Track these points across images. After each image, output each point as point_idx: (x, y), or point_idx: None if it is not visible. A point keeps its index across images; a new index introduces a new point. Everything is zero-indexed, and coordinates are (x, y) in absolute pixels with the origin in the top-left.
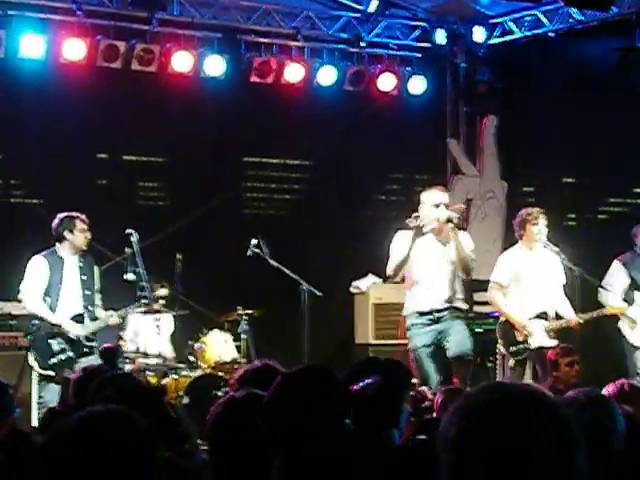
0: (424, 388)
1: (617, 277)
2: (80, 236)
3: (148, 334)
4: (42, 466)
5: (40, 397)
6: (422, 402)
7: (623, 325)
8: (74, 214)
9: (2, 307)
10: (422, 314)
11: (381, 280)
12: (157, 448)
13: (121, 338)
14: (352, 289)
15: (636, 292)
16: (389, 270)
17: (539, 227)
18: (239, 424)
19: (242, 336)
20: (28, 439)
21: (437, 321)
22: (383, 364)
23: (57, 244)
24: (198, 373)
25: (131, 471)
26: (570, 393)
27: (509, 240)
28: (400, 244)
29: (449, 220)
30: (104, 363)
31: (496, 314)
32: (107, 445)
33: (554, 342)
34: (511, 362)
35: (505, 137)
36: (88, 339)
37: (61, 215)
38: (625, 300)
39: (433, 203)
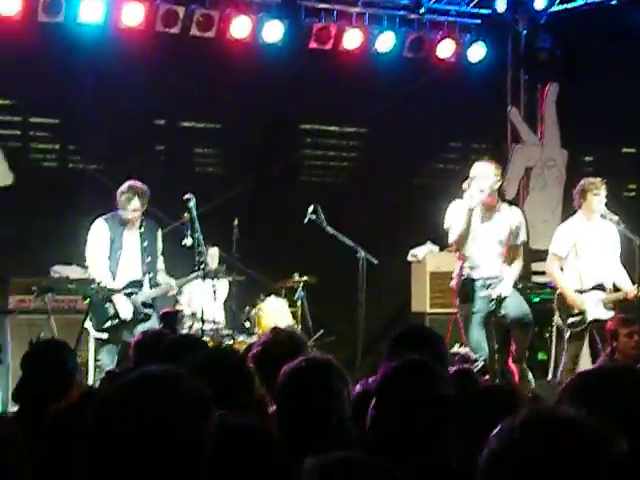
0: (467, 350)
1: None
2: (129, 212)
3: (204, 299)
4: (96, 424)
5: (97, 360)
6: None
7: None
8: (127, 189)
9: (61, 271)
10: (474, 281)
11: (438, 248)
12: (210, 409)
13: (177, 302)
14: (409, 257)
15: None
16: (451, 241)
17: (600, 197)
18: (305, 389)
19: (298, 303)
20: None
21: (488, 287)
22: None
23: (119, 207)
24: (254, 339)
25: (182, 430)
26: None
27: (569, 209)
28: (454, 213)
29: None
30: (164, 327)
31: (553, 285)
32: (160, 404)
33: (610, 314)
34: (568, 334)
35: (566, 105)
36: (145, 305)
37: (121, 188)
38: None
39: (470, 175)
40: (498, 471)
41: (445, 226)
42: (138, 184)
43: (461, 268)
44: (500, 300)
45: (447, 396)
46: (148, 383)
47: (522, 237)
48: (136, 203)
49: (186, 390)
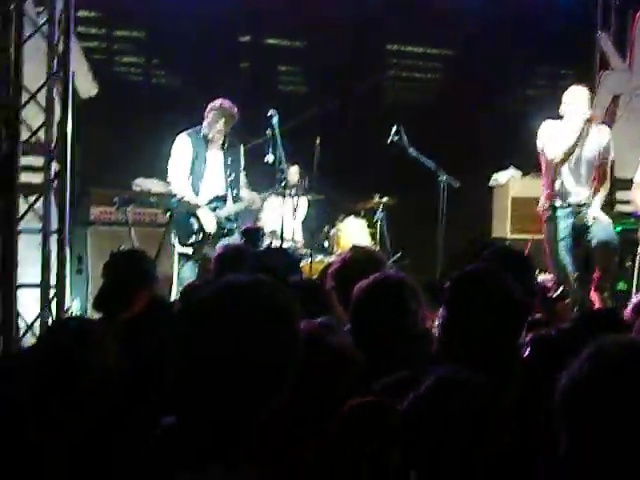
0: (544, 277)
1: None
2: (213, 131)
3: (283, 217)
4: (181, 330)
5: (179, 274)
6: (548, 290)
7: None
8: (217, 107)
9: (143, 184)
10: (562, 207)
11: (521, 174)
12: (296, 318)
13: (258, 219)
14: (491, 182)
15: None
16: (560, 154)
17: None
18: (378, 306)
19: (377, 224)
20: (170, 307)
21: (577, 214)
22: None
23: (204, 123)
24: (332, 259)
25: (266, 337)
26: None
27: None
28: (548, 131)
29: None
30: (246, 242)
31: (638, 214)
32: (246, 309)
33: None
34: None
35: None
36: (229, 219)
37: (211, 105)
38: None
39: (566, 98)
40: (571, 405)
41: (539, 146)
42: (228, 105)
43: (549, 193)
44: (587, 226)
45: (520, 302)
46: (238, 289)
47: (611, 155)
48: (222, 124)
49: (275, 297)
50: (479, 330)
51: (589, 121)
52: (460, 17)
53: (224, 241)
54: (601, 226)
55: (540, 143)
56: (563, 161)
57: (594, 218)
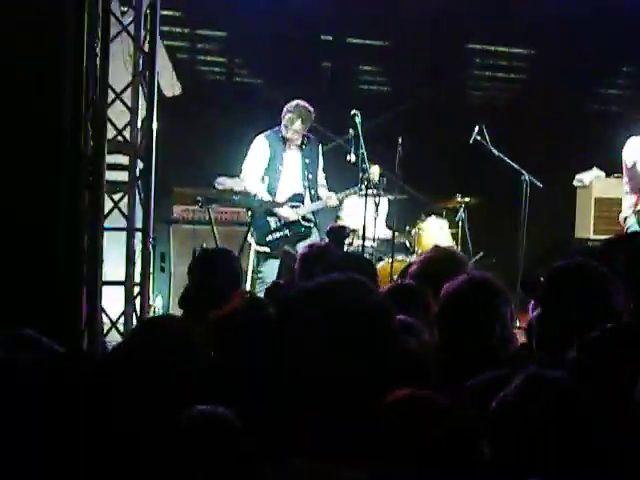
0: None
1: None
2: (290, 131)
3: (365, 216)
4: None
5: (259, 272)
6: None
7: None
8: (293, 108)
9: (224, 183)
10: None
11: (605, 174)
12: (392, 320)
13: (339, 218)
14: (575, 182)
15: None
16: None
17: None
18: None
19: (459, 224)
20: (265, 308)
21: None
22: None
23: (282, 124)
24: (413, 258)
25: (364, 336)
26: None
27: None
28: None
29: None
30: (331, 241)
31: None
32: (346, 307)
33: None
34: None
35: None
36: (306, 219)
37: (287, 106)
38: None
39: None
40: None
41: (629, 162)
42: (304, 105)
43: (636, 201)
44: None
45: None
46: (335, 286)
47: None
48: (299, 124)
49: (369, 296)
50: (576, 322)
51: None
52: (545, 17)
53: (304, 242)
54: None
55: (630, 160)
56: None
57: None
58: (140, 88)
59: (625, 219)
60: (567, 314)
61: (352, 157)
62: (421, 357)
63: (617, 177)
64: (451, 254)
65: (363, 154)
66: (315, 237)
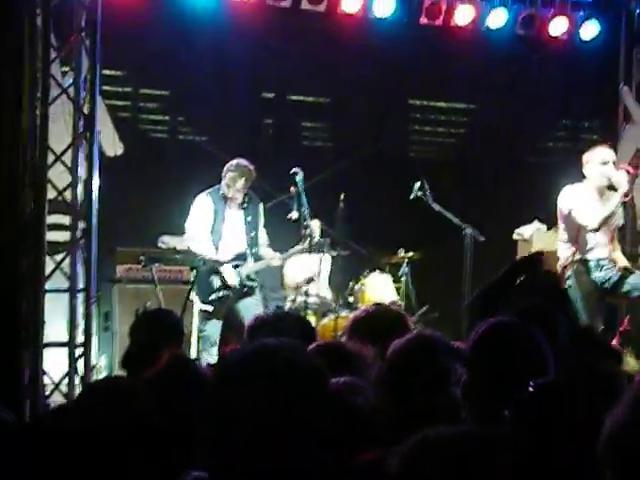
0: None
1: None
2: (232, 191)
3: (307, 273)
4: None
5: (203, 330)
6: None
7: None
8: (234, 167)
9: (168, 241)
10: (588, 262)
11: (545, 227)
12: (327, 383)
13: (282, 275)
14: (515, 235)
15: None
16: (596, 223)
17: None
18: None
19: (402, 279)
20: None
21: (602, 269)
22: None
23: (222, 183)
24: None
25: (300, 401)
26: None
27: None
28: (577, 197)
29: (627, 192)
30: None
31: None
32: (279, 373)
33: None
34: None
35: None
36: (249, 278)
37: (228, 165)
38: None
39: (602, 161)
40: (618, 451)
41: (565, 211)
42: (245, 164)
43: (574, 249)
44: (620, 278)
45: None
46: (268, 352)
47: (622, 220)
48: (240, 184)
49: (304, 361)
50: (504, 387)
51: (626, 195)
52: (484, 72)
53: (246, 300)
54: (635, 275)
55: (566, 207)
56: (598, 229)
57: (625, 269)
58: (80, 149)
59: (563, 269)
60: (494, 378)
61: (294, 215)
62: (367, 416)
63: (557, 230)
64: (390, 310)
65: (305, 211)
66: (257, 296)
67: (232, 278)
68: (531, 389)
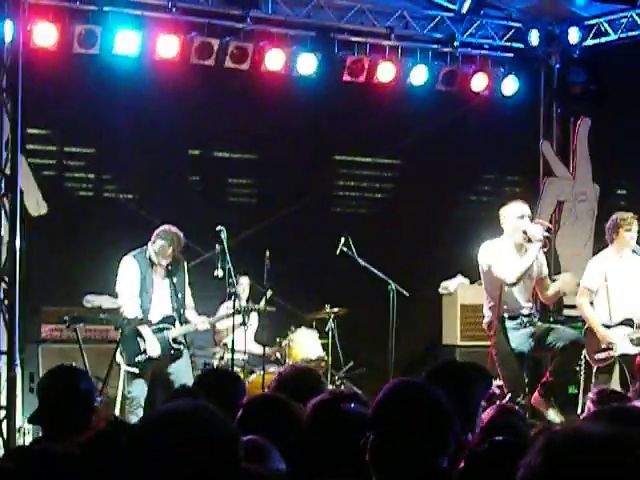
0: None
1: None
2: (159, 258)
3: (234, 331)
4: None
5: (128, 392)
6: (496, 398)
7: None
8: (164, 234)
9: (93, 300)
10: (511, 318)
11: (469, 281)
12: (239, 445)
13: (215, 332)
14: (440, 290)
15: None
16: (514, 277)
17: (632, 233)
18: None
19: (329, 334)
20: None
21: (526, 325)
22: (462, 369)
23: (149, 244)
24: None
25: (211, 467)
26: None
27: (600, 243)
28: (496, 252)
29: (544, 243)
30: None
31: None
32: (188, 436)
33: (638, 349)
34: (595, 368)
35: (598, 139)
36: (176, 342)
37: (158, 231)
38: None
39: (517, 215)
40: None
41: (485, 267)
42: (175, 231)
43: (498, 306)
44: (544, 332)
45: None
46: (175, 417)
47: (546, 269)
48: (169, 253)
49: (214, 425)
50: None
51: (544, 246)
52: (407, 128)
53: (175, 364)
54: (561, 328)
55: (485, 264)
56: (516, 283)
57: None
58: (2, 209)
59: (489, 325)
60: (395, 437)
61: (219, 272)
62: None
63: (481, 284)
64: (306, 370)
65: (230, 269)
66: (186, 359)
67: (153, 346)
68: (486, 445)
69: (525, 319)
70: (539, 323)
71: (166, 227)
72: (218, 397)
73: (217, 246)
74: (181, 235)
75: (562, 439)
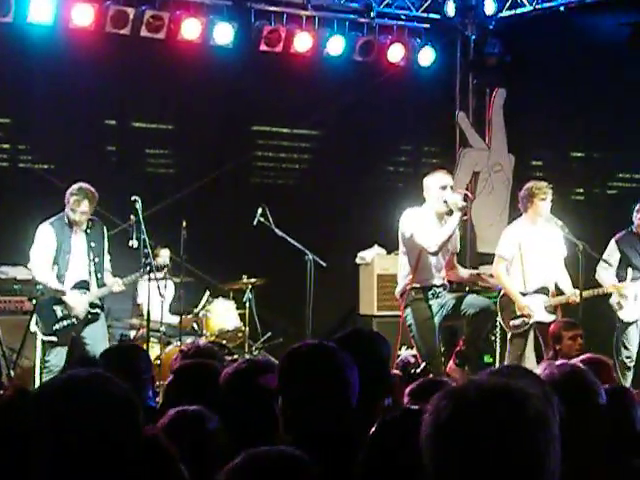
0: (407, 354)
1: (612, 254)
2: (77, 214)
3: (152, 301)
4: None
5: (46, 361)
6: (411, 367)
7: (614, 301)
8: (77, 190)
9: (7, 271)
10: (426, 288)
11: (385, 251)
12: (138, 412)
13: (136, 300)
14: (357, 260)
15: (629, 269)
16: (436, 246)
17: (546, 202)
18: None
19: (246, 305)
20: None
21: (438, 295)
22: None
23: (66, 209)
24: (202, 341)
25: (110, 432)
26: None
27: (515, 213)
28: (417, 220)
29: (464, 212)
30: None
31: (500, 287)
32: (87, 404)
33: (552, 317)
34: (509, 335)
35: (514, 110)
36: (93, 305)
37: (70, 189)
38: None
39: (440, 185)
40: (438, 446)
41: (407, 234)
42: (87, 186)
43: (413, 275)
44: (456, 301)
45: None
46: (70, 384)
47: (458, 245)
48: (85, 206)
49: (110, 392)
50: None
51: (464, 215)
52: (324, 98)
53: (91, 327)
54: (472, 296)
55: (407, 231)
56: (438, 252)
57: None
58: None
59: (402, 294)
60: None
61: (134, 243)
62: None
63: (398, 254)
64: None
65: (145, 239)
66: (102, 322)
67: (78, 307)
68: (398, 412)
69: (437, 289)
70: (451, 293)
71: (77, 184)
72: (122, 371)
73: (132, 216)
74: (93, 190)
75: (461, 387)
